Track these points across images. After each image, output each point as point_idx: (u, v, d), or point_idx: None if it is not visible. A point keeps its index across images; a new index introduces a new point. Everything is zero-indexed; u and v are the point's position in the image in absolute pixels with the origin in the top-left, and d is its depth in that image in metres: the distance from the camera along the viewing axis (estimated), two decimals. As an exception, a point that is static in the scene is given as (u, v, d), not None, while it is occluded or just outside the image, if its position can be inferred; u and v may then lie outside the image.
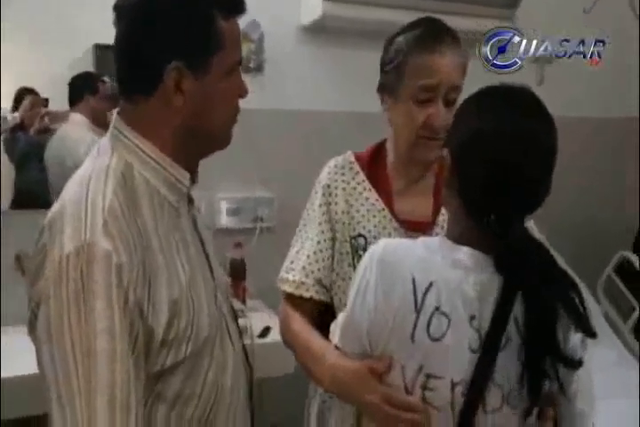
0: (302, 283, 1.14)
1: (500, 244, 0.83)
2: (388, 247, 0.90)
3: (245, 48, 1.87)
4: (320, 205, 1.16)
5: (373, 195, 1.16)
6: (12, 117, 1.80)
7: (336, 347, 0.95)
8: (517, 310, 0.82)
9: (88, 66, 1.85)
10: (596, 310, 2.21)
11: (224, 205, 2.03)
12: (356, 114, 1.99)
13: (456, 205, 0.88)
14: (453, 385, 0.83)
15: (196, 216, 0.93)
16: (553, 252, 0.86)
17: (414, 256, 0.87)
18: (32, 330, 0.75)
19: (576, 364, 0.83)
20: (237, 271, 1.89)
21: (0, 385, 1.07)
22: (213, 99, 0.82)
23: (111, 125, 0.84)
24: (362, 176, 1.17)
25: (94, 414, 0.68)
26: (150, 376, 0.76)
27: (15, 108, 1.80)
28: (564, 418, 0.89)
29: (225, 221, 2.03)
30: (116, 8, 0.81)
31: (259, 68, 2.00)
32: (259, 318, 1.80)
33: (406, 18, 1.14)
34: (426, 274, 0.84)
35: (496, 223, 0.82)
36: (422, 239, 0.91)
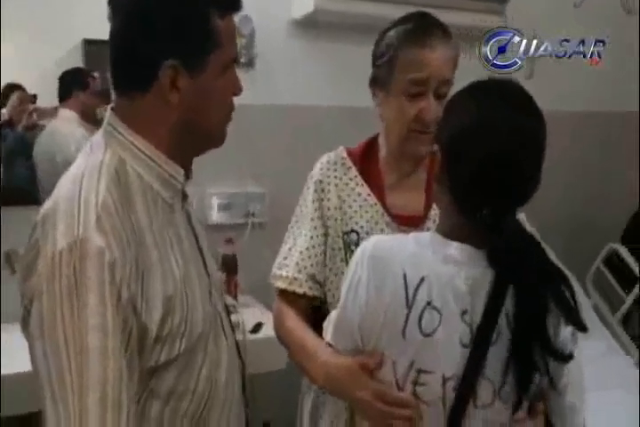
0: (295, 279, 1.14)
1: (491, 238, 0.83)
2: (379, 243, 0.90)
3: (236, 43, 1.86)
4: (312, 201, 1.16)
5: (365, 190, 1.16)
6: (0, 114, 1.79)
7: (329, 344, 0.96)
8: (508, 304, 0.82)
9: (77, 61, 1.83)
10: (585, 304, 2.23)
11: (215, 201, 2.03)
12: (348, 108, 1.98)
13: (447, 201, 0.88)
14: (445, 380, 0.84)
15: (190, 212, 0.92)
16: (544, 245, 0.87)
17: (405, 252, 0.87)
18: (25, 327, 0.75)
19: (566, 357, 0.84)
20: (229, 267, 1.89)
21: (0, 382, 1.07)
22: (209, 96, 0.82)
23: (105, 122, 0.84)
24: (354, 171, 1.17)
25: (86, 411, 0.67)
26: (144, 372, 0.76)
27: (2, 104, 1.79)
28: (555, 412, 0.90)
29: (216, 216, 2.03)
30: (111, 3, 0.80)
31: (250, 63, 1.99)
32: (250, 313, 1.80)
33: (398, 12, 1.14)
34: (417, 269, 0.84)
35: (488, 218, 0.82)
36: (413, 235, 0.91)
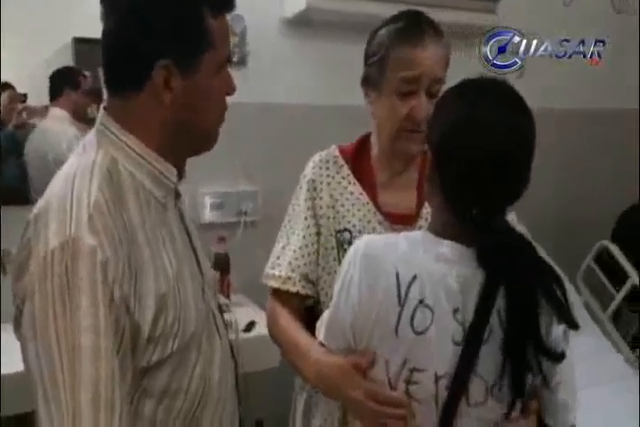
0: (288, 278, 1.14)
1: (482, 238, 0.83)
2: (371, 242, 0.90)
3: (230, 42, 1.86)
4: (305, 200, 1.16)
5: (358, 189, 1.16)
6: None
7: (321, 344, 0.96)
8: (500, 302, 0.82)
9: (67, 60, 1.82)
10: (576, 301, 2.24)
11: (207, 200, 2.02)
12: (341, 107, 1.98)
13: (438, 200, 0.88)
14: (437, 378, 0.84)
15: (183, 211, 0.92)
16: (535, 244, 0.87)
17: (397, 250, 0.87)
18: (17, 327, 0.74)
19: (559, 356, 0.84)
20: (221, 266, 1.89)
21: (0, 382, 1.07)
22: (202, 96, 0.82)
23: (97, 121, 0.84)
24: (346, 170, 1.18)
25: (79, 411, 0.67)
26: (136, 372, 0.76)
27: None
28: (547, 410, 0.91)
29: (209, 215, 2.03)
30: (104, 2, 0.80)
31: (242, 62, 1.99)
32: (243, 312, 1.80)
33: (390, 10, 1.14)
34: (409, 268, 0.85)
35: (478, 218, 0.83)
36: (404, 234, 0.91)
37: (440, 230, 0.87)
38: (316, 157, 1.21)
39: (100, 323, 0.69)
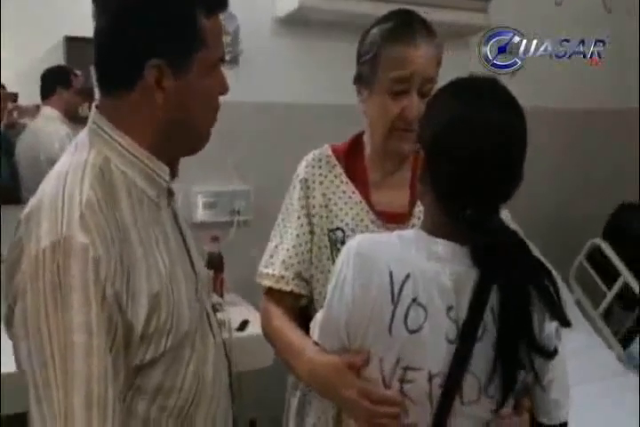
0: (282, 277, 1.14)
1: (475, 237, 0.84)
2: (364, 241, 0.90)
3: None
4: (298, 199, 1.16)
5: (350, 187, 1.16)
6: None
7: (316, 343, 0.96)
8: (494, 299, 0.83)
9: (58, 59, 1.81)
10: (568, 299, 2.25)
11: (200, 199, 2.02)
12: (333, 106, 1.98)
13: (430, 200, 0.88)
14: (431, 377, 0.84)
15: (177, 209, 0.92)
16: (528, 242, 0.87)
17: (390, 249, 0.87)
18: (9, 326, 0.74)
19: (551, 354, 0.85)
20: (215, 265, 1.88)
21: (0, 381, 1.06)
22: (194, 96, 0.81)
23: (90, 120, 0.83)
24: (339, 169, 1.18)
25: (71, 410, 0.67)
26: (130, 370, 0.76)
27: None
28: (540, 407, 0.91)
29: (201, 214, 2.03)
30: (96, 0, 0.80)
31: (234, 61, 1.98)
32: (237, 311, 1.80)
33: (382, 10, 1.14)
34: (402, 266, 0.85)
35: (471, 218, 0.83)
36: (398, 232, 0.91)
37: (433, 229, 0.88)
38: (309, 157, 1.21)
39: (93, 321, 0.69)
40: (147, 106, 0.80)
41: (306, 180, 1.17)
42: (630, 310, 2.44)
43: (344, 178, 1.17)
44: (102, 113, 0.82)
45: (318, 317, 0.96)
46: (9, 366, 0.74)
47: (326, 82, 2.06)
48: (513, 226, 1.01)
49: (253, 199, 2.08)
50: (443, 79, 0.97)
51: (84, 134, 0.83)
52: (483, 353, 0.83)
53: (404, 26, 1.08)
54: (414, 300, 0.83)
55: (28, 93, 1.80)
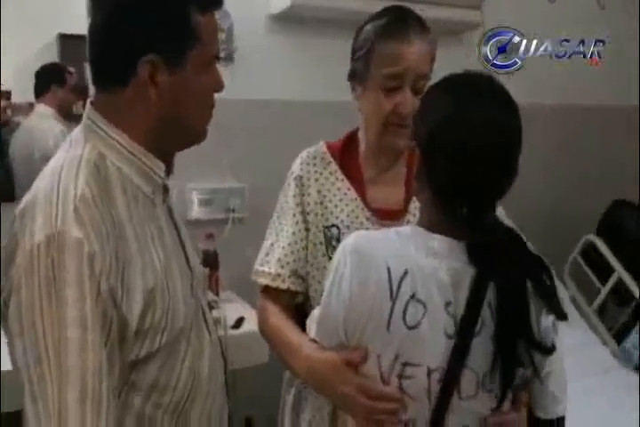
0: (278, 275, 1.14)
1: (472, 234, 0.84)
2: (360, 239, 0.90)
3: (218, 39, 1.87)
4: (293, 196, 1.16)
5: (345, 184, 1.16)
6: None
7: (313, 340, 0.96)
8: (491, 295, 0.83)
9: (52, 57, 1.81)
10: (563, 294, 2.26)
11: (195, 196, 2.02)
12: (328, 103, 1.98)
13: (427, 197, 0.88)
14: (430, 372, 0.84)
15: (172, 206, 0.92)
16: (524, 238, 0.88)
17: (387, 246, 0.87)
18: (4, 322, 0.74)
19: (549, 349, 0.85)
20: (210, 263, 1.88)
21: (0, 378, 1.06)
22: (189, 92, 0.81)
23: (84, 116, 0.83)
24: (334, 166, 1.18)
25: (65, 405, 0.67)
26: (125, 366, 0.76)
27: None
28: (537, 402, 0.91)
29: (196, 212, 2.02)
30: None
31: (229, 58, 1.98)
32: (232, 308, 1.79)
33: (376, 6, 1.14)
34: (400, 262, 0.84)
35: (468, 215, 0.83)
36: (395, 229, 0.91)
37: (430, 225, 0.88)
38: (304, 154, 1.20)
39: (87, 316, 0.69)
40: (141, 102, 0.80)
41: (300, 177, 1.17)
42: (624, 306, 2.45)
43: (339, 175, 1.17)
44: (97, 109, 0.82)
45: (315, 314, 0.96)
46: (9, 364, 0.74)
47: (321, 79, 2.06)
48: (507, 222, 1.02)
49: (249, 197, 2.08)
50: (436, 76, 0.97)
51: (78, 130, 0.83)
52: (481, 348, 0.83)
53: (398, 22, 1.08)
54: (413, 296, 0.83)
55: (22, 91, 1.80)
